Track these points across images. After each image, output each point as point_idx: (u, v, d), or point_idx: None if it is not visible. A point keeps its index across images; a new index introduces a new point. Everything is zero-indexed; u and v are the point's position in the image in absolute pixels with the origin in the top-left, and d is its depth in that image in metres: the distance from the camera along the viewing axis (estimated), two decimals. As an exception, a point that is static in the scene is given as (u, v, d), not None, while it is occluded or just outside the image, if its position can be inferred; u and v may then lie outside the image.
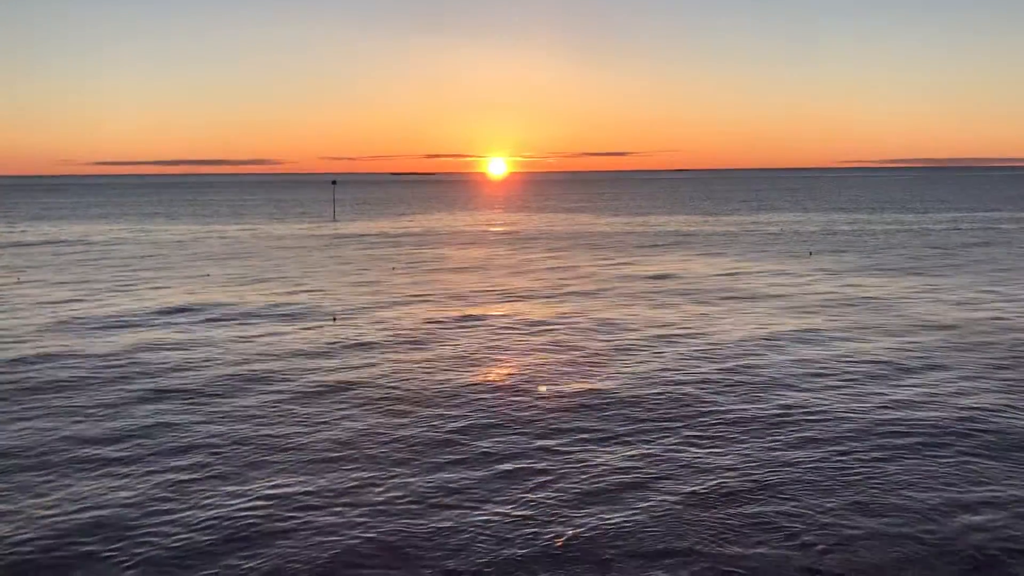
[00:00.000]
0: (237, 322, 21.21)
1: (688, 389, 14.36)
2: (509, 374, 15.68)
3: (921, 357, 16.64)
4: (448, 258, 37.86)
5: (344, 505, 9.65)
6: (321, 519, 9.28)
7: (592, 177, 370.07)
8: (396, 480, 10.38)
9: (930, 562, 8.31)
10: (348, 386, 14.73)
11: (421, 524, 9.15)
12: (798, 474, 10.47)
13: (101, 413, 13.21)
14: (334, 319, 21.50)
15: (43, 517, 9.37)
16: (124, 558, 8.45)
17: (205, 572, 8.17)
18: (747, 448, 11.41)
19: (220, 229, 58.91)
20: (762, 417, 12.78)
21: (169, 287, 27.94)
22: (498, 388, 14.64)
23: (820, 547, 8.58)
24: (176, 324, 20.94)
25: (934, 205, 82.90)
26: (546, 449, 11.45)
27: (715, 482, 10.22)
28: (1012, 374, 15.24)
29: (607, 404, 13.50)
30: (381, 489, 10.11)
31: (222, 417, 12.97)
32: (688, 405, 13.44)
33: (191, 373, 15.74)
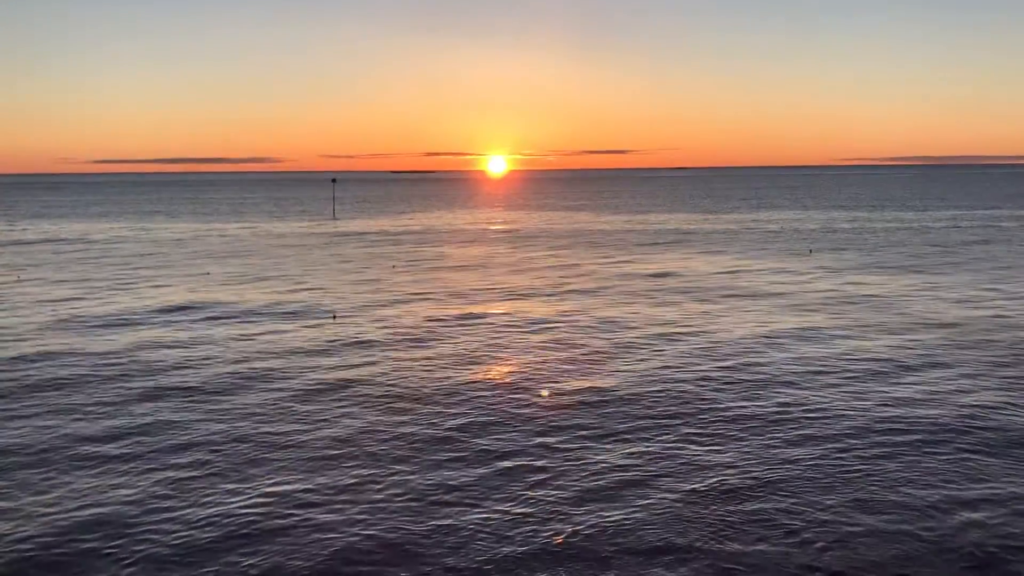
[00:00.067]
0: (237, 320, 21.21)
1: (688, 387, 14.37)
2: (509, 372, 15.69)
3: (921, 355, 16.65)
4: (448, 256, 37.86)
5: (344, 503, 9.66)
6: (321, 517, 9.29)
7: (592, 175, 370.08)
8: (396, 478, 10.39)
9: (929, 559, 8.32)
10: (348, 384, 14.74)
11: (421, 522, 9.16)
12: (798, 471, 10.47)
13: (101, 411, 13.22)
14: (334, 317, 21.50)
15: (43, 515, 9.38)
16: (124, 556, 8.46)
17: (205, 570, 8.18)
18: (747, 445, 11.42)
19: (220, 227, 58.92)
20: (762, 415, 12.78)
21: (169, 285, 27.95)
22: (498, 386, 14.65)
23: (820, 544, 8.59)
24: (176, 322, 20.95)
25: (934, 203, 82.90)
26: (546, 446, 11.45)
27: (715, 479, 10.23)
28: (1013, 371, 15.24)
29: (607, 402, 13.51)
30: (381, 487, 10.11)
31: (222, 415, 12.98)
32: (688, 403, 13.44)
33: (191, 371, 15.75)
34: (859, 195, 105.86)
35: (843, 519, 9.13)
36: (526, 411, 13.09)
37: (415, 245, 43.88)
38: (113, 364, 16.33)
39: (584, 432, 12.04)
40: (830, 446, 11.36)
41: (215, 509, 9.47)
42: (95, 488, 10.12)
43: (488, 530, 8.94)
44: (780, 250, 38.75)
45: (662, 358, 16.56)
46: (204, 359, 16.72)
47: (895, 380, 14.75)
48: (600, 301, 23.90)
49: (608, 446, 11.44)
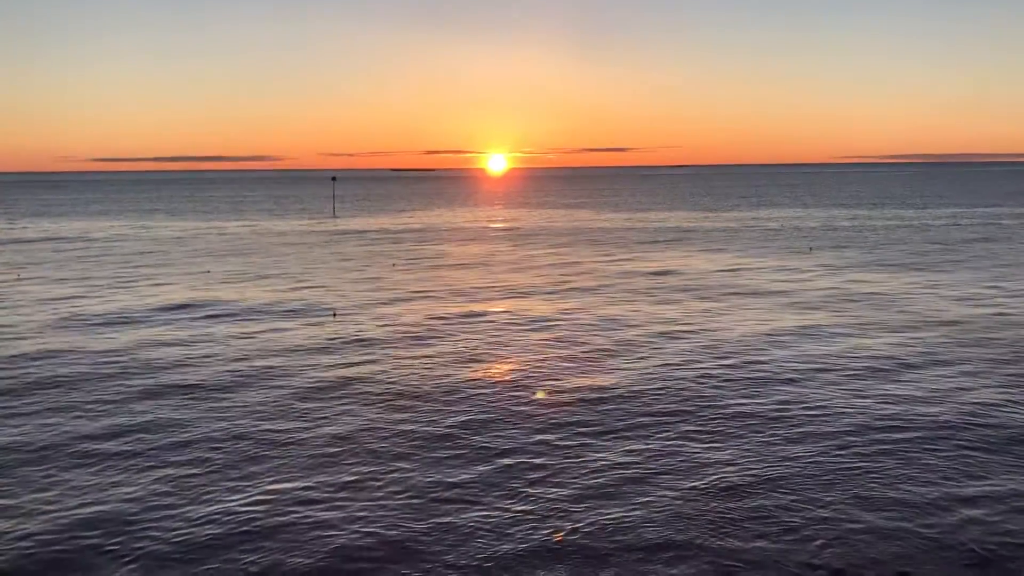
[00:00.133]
0: (237, 318, 21.22)
1: (689, 384, 14.37)
2: (510, 370, 15.69)
3: (922, 353, 16.65)
4: (449, 254, 37.86)
5: (344, 500, 9.66)
6: (321, 514, 9.30)
7: (592, 173, 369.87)
8: (396, 475, 10.40)
9: (929, 556, 8.32)
10: (349, 382, 14.74)
11: (422, 519, 9.16)
12: (798, 469, 10.48)
13: (102, 409, 13.23)
14: (334, 315, 21.51)
15: (44, 512, 9.38)
16: (125, 553, 8.46)
17: (206, 567, 8.19)
18: (747, 443, 11.42)
19: (220, 225, 58.90)
20: (762, 412, 12.79)
21: (169, 283, 27.95)
22: (498, 384, 14.65)
23: (820, 541, 8.59)
24: (176, 320, 20.95)
25: (934, 201, 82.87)
26: (546, 443, 11.46)
27: (715, 477, 10.23)
28: (1013, 369, 15.24)
29: (608, 399, 13.51)
30: (381, 484, 10.12)
31: (222, 413, 12.98)
32: (689, 400, 13.45)
33: (191, 369, 15.75)
34: (859, 193, 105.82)
35: (843, 516, 9.13)
36: (526, 409, 13.10)
37: (415, 243, 43.88)
38: (113, 362, 16.34)
39: (584, 429, 12.04)
40: (830, 443, 11.37)
41: (216, 507, 9.48)
42: (96, 486, 10.13)
43: (488, 527, 8.94)
44: (781, 248, 38.75)
45: (663, 356, 16.56)
46: (204, 357, 16.72)
47: (896, 378, 14.75)
48: (601, 299, 23.90)
49: (608, 443, 11.45)
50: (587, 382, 14.60)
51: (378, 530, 8.91)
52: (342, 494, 9.83)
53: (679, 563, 8.20)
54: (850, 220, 57.60)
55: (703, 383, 14.46)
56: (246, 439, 11.75)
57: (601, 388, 14.18)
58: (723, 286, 26.30)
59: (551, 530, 8.87)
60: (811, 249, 37.93)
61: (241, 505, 9.52)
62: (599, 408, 13.06)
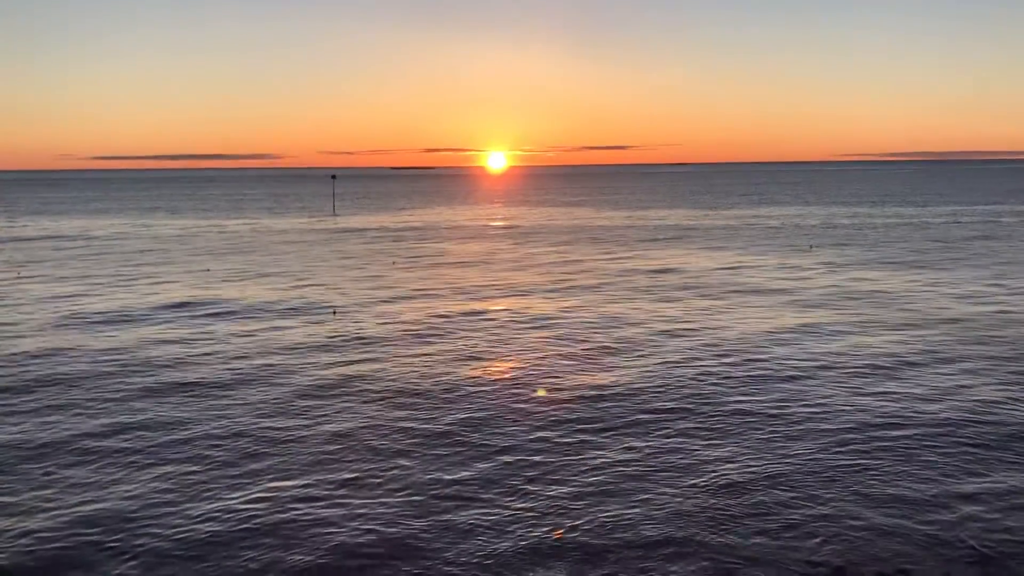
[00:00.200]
0: (238, 316, 21.22)
1: (690, 382, 14.37)
2: (510, 368, 15.69)
3: (923, 351, 16.64)
4: (449, 252, 37.85)
5: (344, 498, 9.66)
6: (322, 511, 9.30)
7: (592, 171, 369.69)
8: (397, 472, 10.40)
9: (929, 553, 8.33)
10: (349, 380, 14.74)
11: (422, 516, 9.16)
12: (798, 466, 10.48)
13: (102, 407, 13.23)
14: (334, 313, 21.51)
15: (44, 509, 9.39)
16: (125, 550, 8.47)
17: (205, 564, 8.19)
18: (747, 440, 11.42)
19: (220, 223, 58.89)
20: (763, 410, 12.79)
21: (170, 282, 27.95)
22: (499, 382, 14.65)
23: (820, 538, 8.59)
24: (177, 319, 20.95)
25: (934, 198, 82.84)
26: (547, 441, 11.46)
27: (716, 474, 10.24)
28: (1014, 366, 15.24)
29: (608, 397, 13.52)
30: (382, 482, 10.12)
31: (223, 411, 12.99)
32: (690, 398, 13.45)
33: (192, 367, 15.75)
34: (860, 191, 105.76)
35: (843, 513, 9.13)
36: (526, 406, 13.10)
37: (415, 241, 43.87)
38: (114, 360, 16.34)
39: (584, 427, 12.04)
40: (830, 440, 11.37)
41: (216, 504, 9.49)
42: (96, 483, 10.14)
43: (488, 525, 8.95)
44: (781, 246, 38.73)
45: (663, 354, 16.56)
46: (204, 355, 16.73)
47: (896, 375, 14.75)
48: (601, 297, 23.90)
49: (609, 441, 11.45)
50: (587, 380, 14.60)
51: (378, 527, 8.92)
52: (342, 491, 9.83)
53: (679, 560, 8.21)
54: (851, 218, 57.58)
55: (703, 381, 14.47)
56: (246, 437, 11.75)
57: (601, 386, 14.18)
58: (724, 284, 26.30)
59: (551, 527, 8.88)
60: (811, 247, 37.92)
61: (241, 503, 9.52)
62: (599, 405, 13.06)
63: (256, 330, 19.35)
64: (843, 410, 12.72)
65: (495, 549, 8.43)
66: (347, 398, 13.64)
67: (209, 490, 9.90)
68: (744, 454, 10.91)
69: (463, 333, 18.82)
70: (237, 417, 12.65)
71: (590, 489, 9.83)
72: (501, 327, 19.52)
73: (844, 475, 10.19)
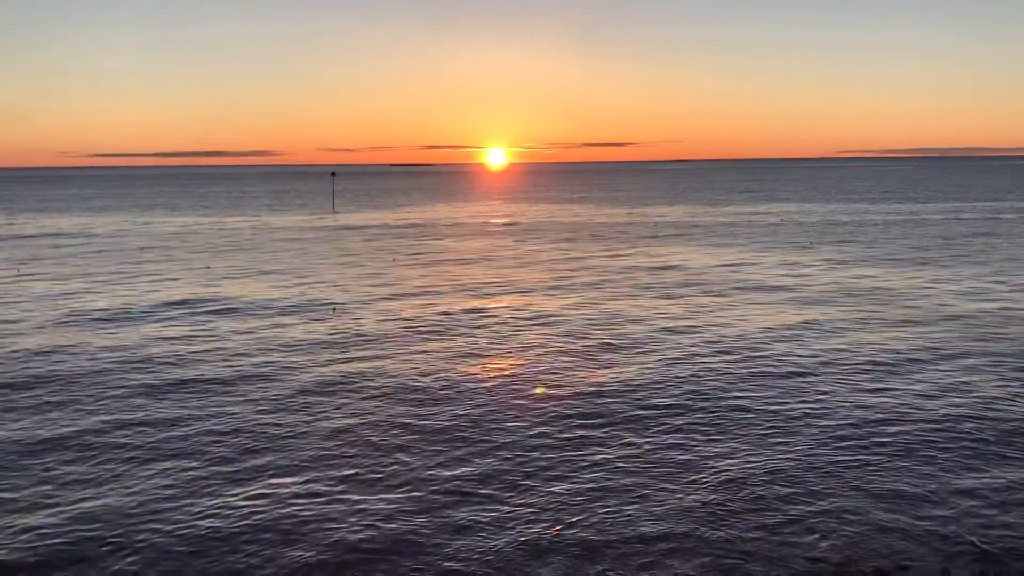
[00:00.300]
0: (238, 314, 21.23)
1: (691, 379, 14.38)
2: (511, 365, 15.70)
3: (923, 347, 16.64)
4: (449, 249, 37.85)
5: (344, 494, 9.67)
6: (321, 508, 9.31)
7: (592, 168, 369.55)
8: (397, 468, 10.41)
9: (929, 548, 8.34)
10: (349, 377, 14.75)
11: (421, 512, 9.18)
12: (798, 462, 10.49)
13: (102, 404, 13.24)
14: (334, 310, 21.51)
15: (45, 505, 9.40)
16: (126, 545, 8.48)
17: (206, 559, 8.20)
18: (748, 436, 11.43)
19: (220, 221, 58.88)
20: (763, 406, 12.79)
21: (170, 279, 27.95)
22: (500, 379, 14.66)
23: (819, 533, 8.60)
24: (177, 316, 20.96)
25: (935, 195, 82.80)
26: (548, 437, 11.47)
27: (716, 469, 10.25)
28: (1016, 363, 15.24)
29: (609, 394, 13.52)
30: (382, 478, 10.13)
31: (223, 408, 13.00)
32: (690, 394, 13.45)
33: (192, 365, 15.76)
34: (860, 188, 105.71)
35: (843, 509, 9.14)
36: (527, 403, 13.11)
37: (415, 238, 43.85)
38: (114, 357, 16.35)
39: (585, 423, 12.05)
40: (830, 436, 11.38)
41: (216, 500, 9.50)
42: (97, 479, 10.15)
43: (488, 520, 8.96)
44: (782, 243, 38.72)
45: (664, 351, 16.57)
46: (205, 352, 16.74)
47: (896, 372, 14.76)
48: (602, 295, 23.90)
49: (609, 437, 11.46)
50: (588, 376, 14.61)
51: (378, 523, 8.93)
52: (342, 487, 9.84)
53: (678, 555, 8.22)
54: (851, 215, 57.56)
55: (704, 377, 14.47)
56: (246, 433, 11.76)
57: (602, 382, 14.19)
58: (725, 281, 26.30)
59: (551, 523, 8.89)
60: (811, 243, 37.91)
61: (242, 499, 9.53)
62: (599, 402, 13.07)
63: (256, 327, 19.36)
64: (843, 406, 12.73)
65: (495, 545, 8.44)
66: (347, 395, 13.65)
67: (209, 486, 9.91)
68: (744, 450, 10.92)
69: (464, 330, 18.83)
70: (237, 414, 12.66)
71: (590, 485, 9.84)
72: (502, 324, 19.52)
73: (844, 471, 10.20)
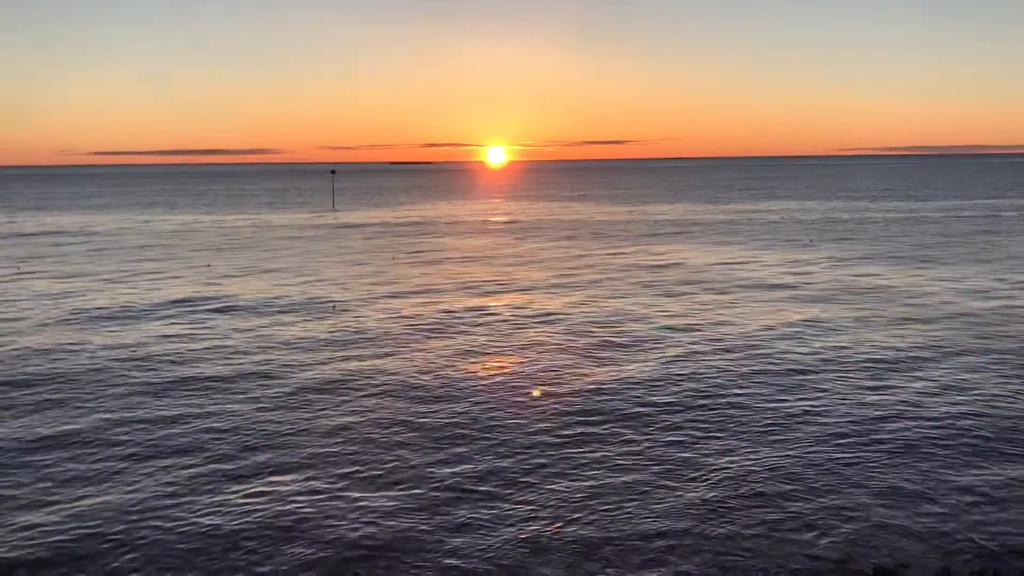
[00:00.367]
0: (238, 312, 21.23)
1: (691, 377, 14.38)
2: (512, 363, 15.71)
3: (925, 345, 16.65)
4: (449, 248, 37.84)
5: (345, 492, 9.68)
6: (322, 505, 9.32)
7: (593, 166, 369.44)
8: (398, 466, 10.42)
9: (929, 545, 8.34)
10: (349, 375, 14.76)
11: (422, 510, 9.18)
12: (798, 458, 10.50)
13: (103, 403, 13.25)
14: (334, 308, 21.52)
15: (46, 504, 9.41)
16: (127, 543, 8.49)
17: (206, 557, 8.21)
18: (748, 433, 11.44)
19: (220, 219, 58.87)
20: (764, 404, 12.80)
21: (171, 277, 27.96)
22: (501, 377, 14.67)
23: (819, 530, 8.61)
24: (178, 315, 20.96)
25: (935, 193, 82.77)
26: (548, 435, 11.47)
27: (716, 466, 10.25)
28: (1017, 360, 15.24)
29: (610, 392, 13.53)
30: (382, 476, 10.14)
31: (224, 406, 13.00)
32: (691, 393, 13.46)
33: (192, 363, 15.77)
34: (860, 185, 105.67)
35: (843, 506, 9.15)
36: (528, 401, 13.12)
37: (416, 236, 43.85)
38: (115, 356, 16.35)
39: (586, 421, 12.06)
40: (830, 433, 11.39)
41: (217, 498, 9.51)
42: (97, 477, 10.16)
43: (489, 518, 8.97)
44: (782, 241, 38.71)
45: (665, 349, 16.57)
46: (206, 351, 16.74)
47: (898, 370, 14.76)
48: (602, 293, 23.90)
49: (610, 435, 11.46)
50: (588, 374, 14.62)
51: (378, 520, 8.94)
52: (342, 485, 9.85)
53: (678, 552, 8.22)
54: (851, 212, 57.55)
55: (705, 375, 14.48)
56: (246, 431, 11.77)
57: (602, 380, 14.19)
58: (725, 279, 26.30)
59: (551, 520, 8.89)
60: (811, 241, 37.90)
61: (242, 496, 9.54)
62: (600, 399, 13.08)
63: (257, 326, 19.37)
64: (843, 404, 12.74)
65: (495, 542, 8.45)
66: (347, 392, 13.65)
67: (210, 484, 9.91)
68: (744, 447, 10.93)
69: (464, 328, 18.83)
70: (238, 411, 12.67)
71: (590, 482, 9.85)
72: (502, 322, 19.53)
73: (844, 468, 10.20)
